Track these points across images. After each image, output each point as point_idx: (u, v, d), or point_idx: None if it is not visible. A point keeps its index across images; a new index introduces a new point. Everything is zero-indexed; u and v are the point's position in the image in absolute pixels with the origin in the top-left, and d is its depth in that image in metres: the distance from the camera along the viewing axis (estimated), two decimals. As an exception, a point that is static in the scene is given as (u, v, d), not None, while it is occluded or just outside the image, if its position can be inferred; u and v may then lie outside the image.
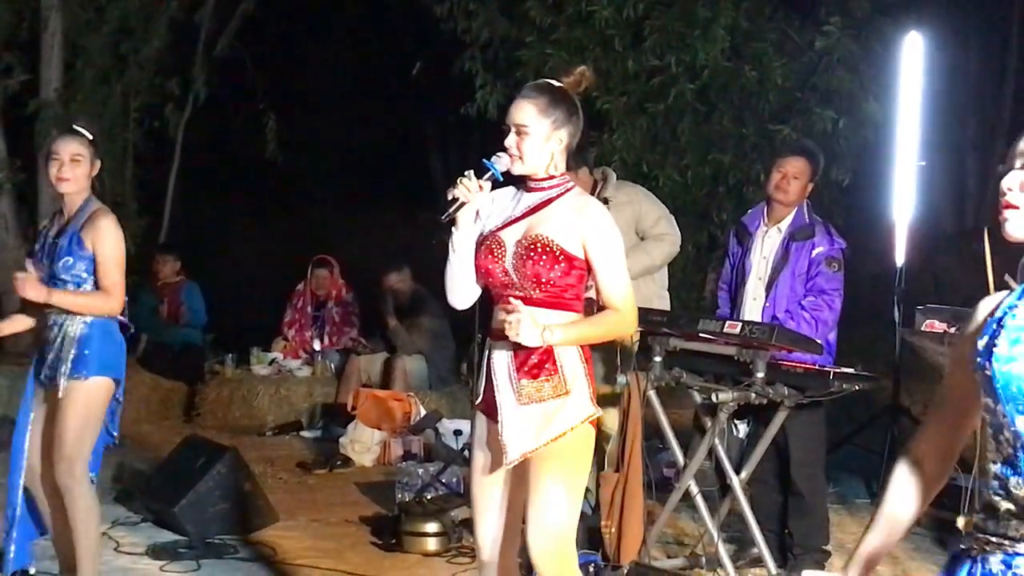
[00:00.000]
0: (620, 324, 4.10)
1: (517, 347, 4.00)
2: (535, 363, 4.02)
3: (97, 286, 5.26)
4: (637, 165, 10.89)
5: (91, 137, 5.33)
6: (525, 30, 11.20)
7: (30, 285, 5.17)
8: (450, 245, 4.17)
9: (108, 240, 5.24)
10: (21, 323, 5.56)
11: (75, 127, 5.37)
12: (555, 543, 4.05)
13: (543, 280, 4.01)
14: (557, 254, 4.00)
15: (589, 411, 4.05)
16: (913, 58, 8.47)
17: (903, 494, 2.76)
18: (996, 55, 17.13)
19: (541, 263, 4.00)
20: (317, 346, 10.86)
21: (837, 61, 10.45)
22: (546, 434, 4.00)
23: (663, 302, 6.94)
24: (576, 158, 6.90)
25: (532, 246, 4.02)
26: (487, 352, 4.15)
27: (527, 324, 3.89)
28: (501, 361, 4.09)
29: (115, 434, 5.51)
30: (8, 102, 12.14)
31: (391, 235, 16.32)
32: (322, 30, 17.83)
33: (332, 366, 10.56)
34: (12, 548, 5.50)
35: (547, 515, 4.03)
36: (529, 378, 4.03)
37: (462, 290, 4.23)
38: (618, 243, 4.07)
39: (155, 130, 13.32)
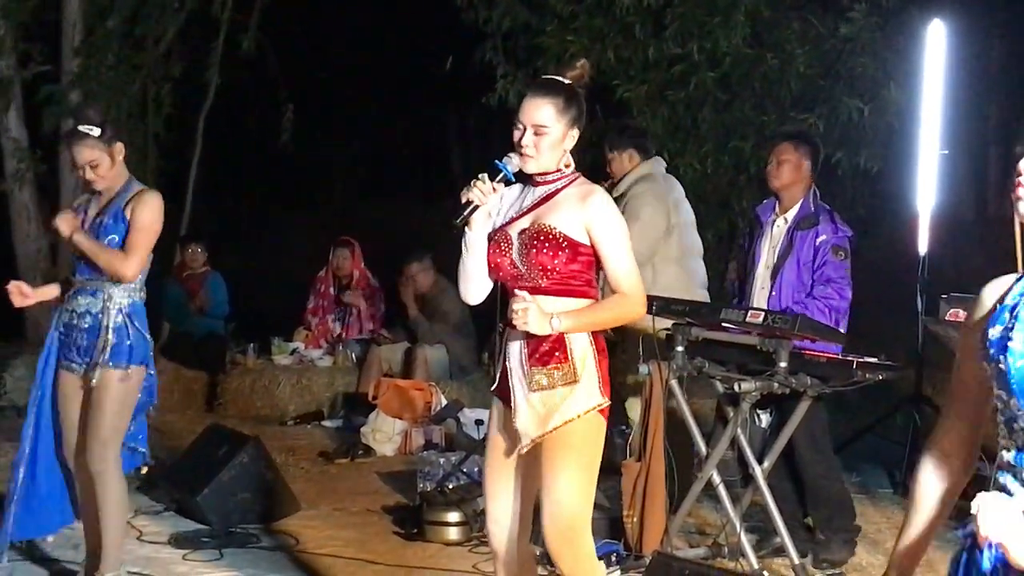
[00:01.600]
0: (629, 308, 4.15)
1: (529, 336, 4.08)
2: (546, 351, 4.09)
3: None
4: (658, 153, 10.83)
5: (97, 131, 5.25)
6: (545, 19, 11.17)
7: (64, 217, 5.18)
8: (464, 245, 4.23)
9: (147, 211, 5.26)
10: (51, 292, 5.56)
11: (80, 128, 5.30)
12: (568, 529, 4.09)
13: (548, 268, 4.08)
14: (560, 241, 4.06)
15: (598, 400, 4.10)
16: (936, 46, 8.43)
17: (932, 489, 2.76)
18: (1018, 44, 17.04)
19: (545, 251, 4.07)
20: (338, 329, 10.87)
21: (861, 48, 10.38)
22: (553, 421, 4.06)
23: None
24: (623, 139, 7.03)
25: (535, 235, 4.10)
26: (504, 340, 4.21)
27: (535, 313, 3.97)
28: (514, 349, 4.16)
29: (155, 402, 5.56)
30: (29, 91, 12.15)
31: (412, 224, 16.33)
32: (342, 20, 17.83)
33: (353, 356, 10.56)
34: (11, 521, 5.52)
35: (559, 502, 4.07)
36: (540, 366, 4.10)
37: (475, 286, 4.30)
38: (621, 228, 4.14)
39: (175, 119, 13.32)
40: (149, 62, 12.65)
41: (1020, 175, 2.56)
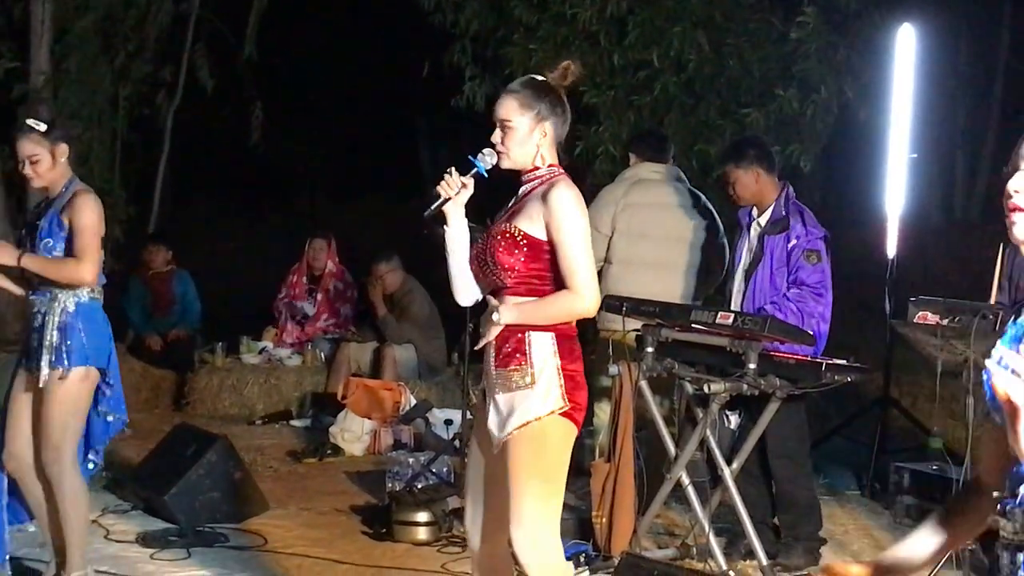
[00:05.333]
0: (574, 304, 4.07)
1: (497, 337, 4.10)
2: (508, 352, 4.10)
3: None
4: (625, 157, 10.85)
5: (44, 127, 5.23)
6: (511, 27, 11.17)
7: (1, 249, 5.15)
8: (446, 244, 4.24)
9: (85, 213, 5.20)
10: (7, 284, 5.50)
11: (27, 122, 5.27)
12: (531, 531, 4.05)
13: (506, 267, 4.07)
14: (519, 240, 4.05)
15: (557, 404, 4.04)
16: (905, 50, 8.47)
17: (959, 521, 2.67)
18: (986, 49, 17.18)
19: (502, 250, 4.07)
20: (310, 311, 10.85)
21: (813, 51, 10.40)
22: (511, 423, 4.05)
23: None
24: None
25: (498, 235, 4.10)
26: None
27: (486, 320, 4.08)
28: (487, 350, 4.18)
29: (125, 419, 5.50)
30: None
31: (381, 224, 16.33)
32: (311, 20, 17.81)
33: (322, 355, 10.55)
34: None
35: (520, 504, 4.04)
36: (502, 368, 4.11)
37: (463, 287, 4.30)
38: (578, 226, 4.06)
39: (144, 118, 13.26)
40: (121, 61, 12.57)
41: (1011, 196, 2.47)
